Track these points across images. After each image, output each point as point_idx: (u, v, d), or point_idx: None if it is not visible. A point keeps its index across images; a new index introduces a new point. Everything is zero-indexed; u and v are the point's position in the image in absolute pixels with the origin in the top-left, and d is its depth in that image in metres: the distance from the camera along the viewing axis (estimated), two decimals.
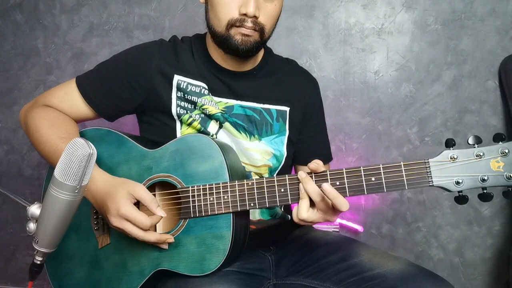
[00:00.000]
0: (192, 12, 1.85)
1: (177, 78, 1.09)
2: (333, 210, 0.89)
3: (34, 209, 0.80)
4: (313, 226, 1.27)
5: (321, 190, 0.87)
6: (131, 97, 1.11)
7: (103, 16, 1.89)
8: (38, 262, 0.78)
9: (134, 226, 0.92)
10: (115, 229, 0.96)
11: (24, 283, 2.00)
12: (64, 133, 1.04)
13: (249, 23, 1.00)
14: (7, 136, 1.98)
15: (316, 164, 0.90)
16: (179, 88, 1.09)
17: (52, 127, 1.06)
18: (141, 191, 0.94)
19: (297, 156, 1.22)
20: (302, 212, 0.90)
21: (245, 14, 0.99)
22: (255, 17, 1.00)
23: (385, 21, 1.77)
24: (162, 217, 0.95)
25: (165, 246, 0.98)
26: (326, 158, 1.26)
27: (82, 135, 1.11)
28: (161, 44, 1.13)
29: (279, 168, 1.16)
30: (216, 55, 1.12)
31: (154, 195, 1.05)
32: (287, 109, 1.17)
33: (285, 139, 1.16)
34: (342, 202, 0.86)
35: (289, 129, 1.17)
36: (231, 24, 1.01)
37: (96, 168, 0.99)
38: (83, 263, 1.06)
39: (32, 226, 0.79)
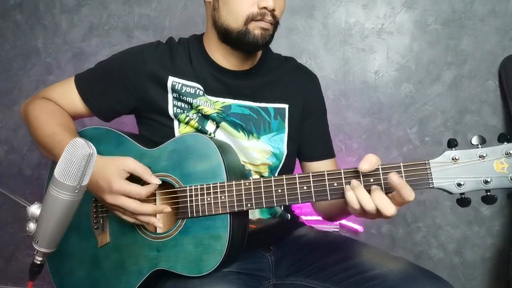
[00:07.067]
0: (192, 12, 1.85)
1: (171, 79, 1.09)
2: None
3: (34, 209, 0.79)
4: (313, 226, 1.26)
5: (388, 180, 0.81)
6: (126, 99, 1.12)
7: (103, 16, 1.89)
8: (38, 262, 0.78)
9: (129, 199, 0.93)
10: (112, 208, 0.96)
11: (24, 283, 2.00)
12: (62, 121, 1.06)
13: (269, 17, 1.03)
14: (7, 136, 1.98)
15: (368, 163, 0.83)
16: (174, 90, 1.09)
17: (51, 115, 1.08)
18: (132, 164, 0.95)
19: (300, 153, 1.22)
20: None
21: (264, 8, 1.01)
22: (273, 10, 1.02)
23: (385, 21, 1.77)
24: (157, 185, 0.95)
25: (159, 224, 0.97)
26: (328, 154, 1.24)
27: (82, 134, 1.11)
28: (157, 46, 1.13)
29: (279, 167, 1.15)
30: (217, 54, 1.12)
31: (154, 194, 1.05)
32: (285, 106, 1.16)
33: (284, 136, 1.15)
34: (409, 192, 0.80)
35: (288, 126, 1.16)
36: (251, 19, 1.02)
37: None
38: (83, 262, 1.07)
39: (32, 226, 0.79)
